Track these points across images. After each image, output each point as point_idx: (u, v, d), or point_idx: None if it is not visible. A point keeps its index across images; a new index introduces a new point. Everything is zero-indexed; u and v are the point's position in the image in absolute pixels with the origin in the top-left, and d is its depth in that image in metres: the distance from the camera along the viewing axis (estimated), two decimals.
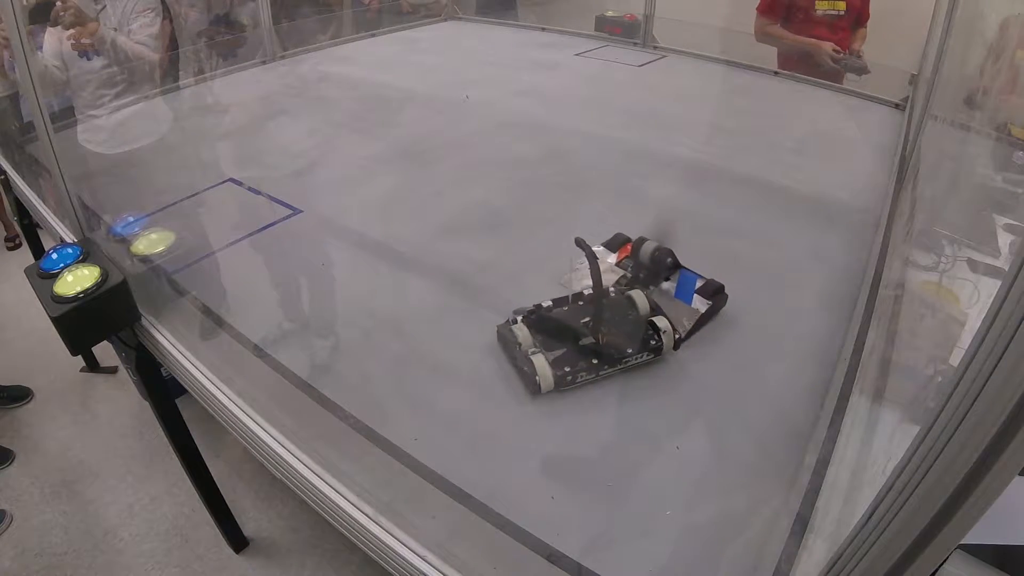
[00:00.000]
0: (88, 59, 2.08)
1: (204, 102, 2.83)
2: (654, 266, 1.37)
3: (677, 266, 1.40)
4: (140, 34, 2.13)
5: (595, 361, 1.18)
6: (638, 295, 1.29)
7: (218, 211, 1.91)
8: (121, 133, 2.22)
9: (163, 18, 2.26)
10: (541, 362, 1.14)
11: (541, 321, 1.25)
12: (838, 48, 2.64)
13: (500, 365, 1.24)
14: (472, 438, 1.10)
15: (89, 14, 2.00)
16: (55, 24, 1.96)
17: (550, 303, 1.29)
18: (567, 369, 1.15)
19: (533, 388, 1.14)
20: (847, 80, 2.76)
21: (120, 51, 2.08)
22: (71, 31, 1.97)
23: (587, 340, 1.21)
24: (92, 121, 2.19)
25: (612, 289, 1.35)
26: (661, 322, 1.21)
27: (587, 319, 1.25)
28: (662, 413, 1.13)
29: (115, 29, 2.07)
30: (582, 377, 1.16)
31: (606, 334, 1.21)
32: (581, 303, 1.30)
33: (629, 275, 1.44)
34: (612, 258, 1.51)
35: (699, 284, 1.37)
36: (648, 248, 1.38)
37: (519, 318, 1.25)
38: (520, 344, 1.19)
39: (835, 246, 1.63)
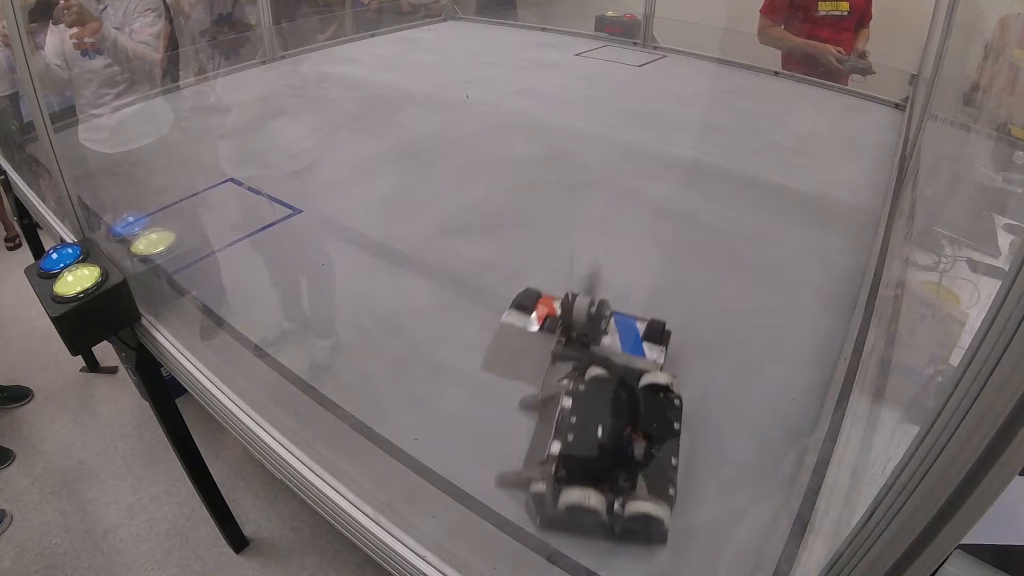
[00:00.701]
0: (91, 58, 2.08)
1: (204, 102, 2.83)
2: (592, 324, 1.16)
3: (610, 314, 1.21)
4: (142, 34, 2.13)
5: (674, 461, 0.95)
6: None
7: (218, 211, 1.91)
8: (122, 132, 2.22)
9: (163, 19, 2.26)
10: (650, 507, 0.87)
11: (582, 465, 0.91)
12: (841, 50, 2.64)
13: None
14: (472, 438, 1.10)
15: (91, 13, 2.00)
16: (58, 22, 1.96)
17: (558, 446, 0.93)
18: (672, 492, 0.91)
19: (660, 536, 0.89)
20: (851, 81, 2.75)
21: (122, 50, 2.08)
22: (73, 30, 1.97)
23: (638, 446, 0.96)
24: (93, 120, 2.20)
25: (568, 383, 1.04)
26: (661, 377, 1.06)
27: (601, 424, 0.96)
28: None
29: (117, 28, 2.07)
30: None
31: (644, 427, 0.98)
32: (565, 408, 0.99)
33: (561, 341, 1.19)
34: (532, 323, 1.25)
35: (641, 328, 1.21)
36: (583, 305, 1.15)
37: (541, 485, 0.91)
38: (595, 508, 0.88)
39: (835, 246, 1.63)
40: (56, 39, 2.03)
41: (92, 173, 2.10)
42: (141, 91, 2.32)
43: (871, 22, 2.75)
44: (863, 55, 2.69)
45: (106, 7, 2.07)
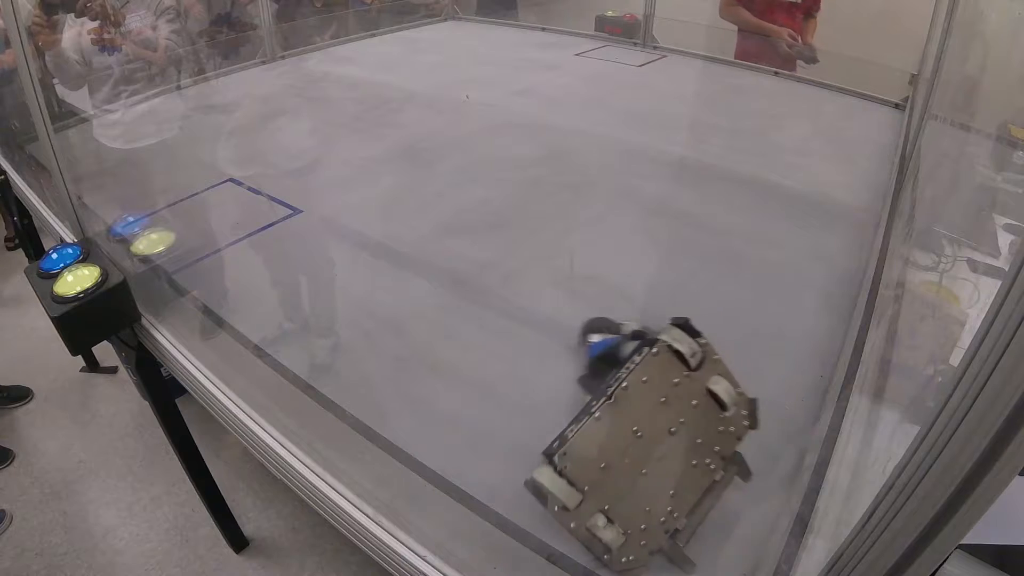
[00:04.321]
0: (108, 54, 2.08)
1: (204, 102, 2.83)
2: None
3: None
4: (162, 31, 2.14)
5: None
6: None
7: (218, 211, 1.91)
8: (135, 129, 2.22)
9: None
10: None
11: None
12: (795, 35, 2.77)
13: (502, 364, 1.24)
14: (472, 438, 1.10)
15: (115, 8, 2.00)
16: (81, 15, 1.95)
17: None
18: None
19: None
20: (798, 67, 2.90)
21: (140, 46, 2.08)
22: (93, 25, 1.96)
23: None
24: (108, 116, 2.19)
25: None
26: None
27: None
28: None
29: (135, 25, 2.07)
30: None
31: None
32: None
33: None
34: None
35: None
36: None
37: None
38: None
39: (835, 246, 1.63)
40: (73, 33, 2.03)
41: (93, 173, 2.10)
42: (147, 90, 2.32)
43: (818, 14, 2.85)
44: (810, 46, 2.84)
45: (126, 3, 2.07)
